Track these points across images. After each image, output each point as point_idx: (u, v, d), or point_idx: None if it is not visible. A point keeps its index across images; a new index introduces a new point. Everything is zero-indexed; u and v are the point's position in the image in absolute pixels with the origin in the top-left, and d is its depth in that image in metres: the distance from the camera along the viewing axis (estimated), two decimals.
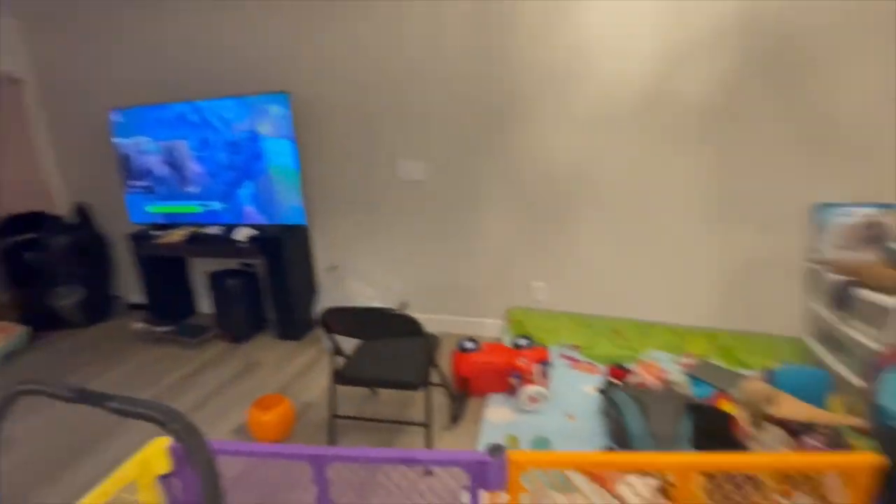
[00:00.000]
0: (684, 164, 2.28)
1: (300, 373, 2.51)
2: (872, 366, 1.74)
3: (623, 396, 1.83)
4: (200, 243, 2.92)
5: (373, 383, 1.75)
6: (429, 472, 1.68)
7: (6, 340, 2.89)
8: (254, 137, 2.80)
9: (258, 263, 3.03)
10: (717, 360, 2.34)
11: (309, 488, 1.06)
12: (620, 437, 1.73)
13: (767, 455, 0.91)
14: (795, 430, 1.62)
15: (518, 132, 2.48)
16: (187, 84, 2.98)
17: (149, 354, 2.84)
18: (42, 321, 3.21)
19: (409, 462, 0.96)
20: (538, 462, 0.93)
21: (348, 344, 1.92)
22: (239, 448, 1.01)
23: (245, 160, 2.86)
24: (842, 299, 1.89)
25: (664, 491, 1.47)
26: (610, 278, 2.56)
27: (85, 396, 0.61)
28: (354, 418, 1.92)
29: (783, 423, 1.63)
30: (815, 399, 1.79)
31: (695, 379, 2.07)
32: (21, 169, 3.42)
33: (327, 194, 2.94)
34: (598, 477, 1.61)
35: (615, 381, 2.12)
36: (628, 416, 1.72)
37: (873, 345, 1.78)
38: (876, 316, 1.81)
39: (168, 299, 3.29)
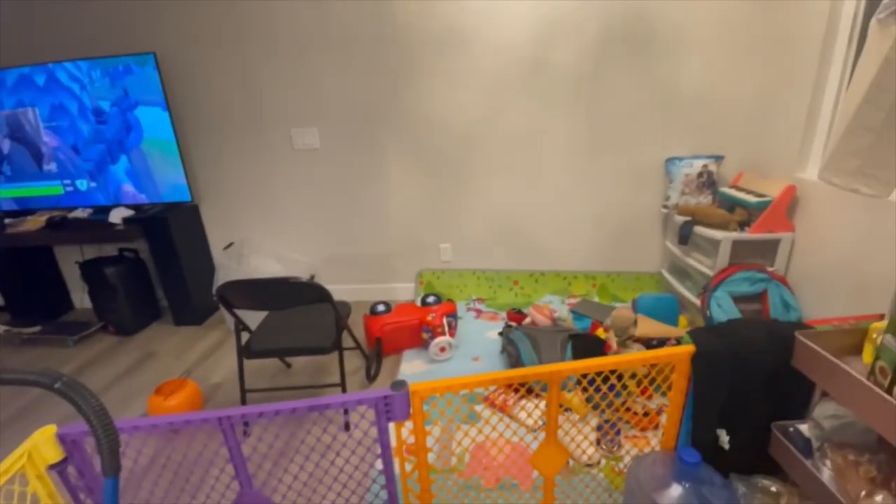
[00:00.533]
0: (562, 124, 2.52)
1: (204, 356, 2.40)
2: (705, 287, 2.17)
3: (518, 334, 2.06)
4: (65, 229, 2.57)
5: (283, 353, 1.76)
6: (346, 428, 1.78)
7: None
8: (121, 105, 2.49)
9: (141, 247, 2.76)
10: (595, 298, 2.71)
11: (225, 467, 1.08)
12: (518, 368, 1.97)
13: (621, 356, 1.13)
14: (653, 345, 1.98)
15: (413, 97, 2.52)
16: (33, 44, 2.52)
17: (14, 360, 2.49)
18: None
19: (318, 409, 1.02)
20: (435, 388, 1.05)
21: (254, 320, 1.89)
22: (138, 424, 0.99)
23: (113, 131, 2.54)
24: (684, 236, 2.30)
25: None
26: (506, 234, 2.78)
27: None
28: (267, 390, 1.91)
29: (643, 341, 1.98)
30: (670, 319, 2.19)
31: (577, 314, 2.39)
32: None
33: (217, 167, 2.74)
34: (500, 406, 1.83)
35: (512, 323, 2.37)
36: (523, 349, 1.96)
37: (708, 271, 2.21)
38: (709, 248, 2.24)
39: (33, 296, 2.87)
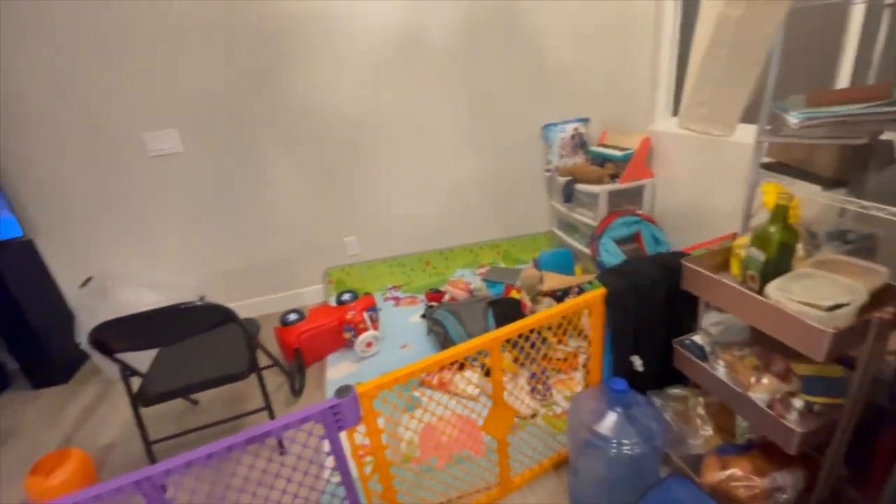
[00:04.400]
0: (442, 103, 2.55)
1: (83, 418, 2.00)
2: (592, 237, 2.43)
3: (442, 312, 2.09)
4: None
5: (190, 390, 1.54)
6: (282, 451, 1.64)
7: None
8: None
9: None
10: (501, 263, 2.87)
11: None
12: (447, 346, 2.00)
13: (542, 313, 1.22)
14: (559, 297, 2.16)
15: (287, 88, 2.32)
16: None
17: None
18: None
19: (258, 439, 0.92)
20: (382, 384, 1.02)
21: (140, 362, 1.62)
22: None
23: None
24: (568, 194, 2.53)
25: (487, 373, 1.81)
26: (409, 217, 2.77)
27: None
28: (177, 436, 1.67)
29: (551, 294, 2.16)
30: (567, 270, 2.40)
31: (489, 282, 2.50)
32: None
33: (51, 192, 2.23)
34: (439, 385, 1.85)
35: (433, 303, 2.39)
36: (448, 326, 2.00)
37: (592, 222, 2.46)
38: (590, 202, 2.50)
39: None
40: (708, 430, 1.27)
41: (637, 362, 1.34)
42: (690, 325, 1.36)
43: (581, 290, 2.20)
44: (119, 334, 1.36)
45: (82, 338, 2.06)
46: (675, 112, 2.46)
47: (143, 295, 2.29)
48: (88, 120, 2.16)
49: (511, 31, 2.45)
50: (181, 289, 2.45)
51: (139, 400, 1.47)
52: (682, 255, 1.34)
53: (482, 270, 2.77)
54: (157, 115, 2.23)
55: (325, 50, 2.30)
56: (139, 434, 1.51)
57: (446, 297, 2.41)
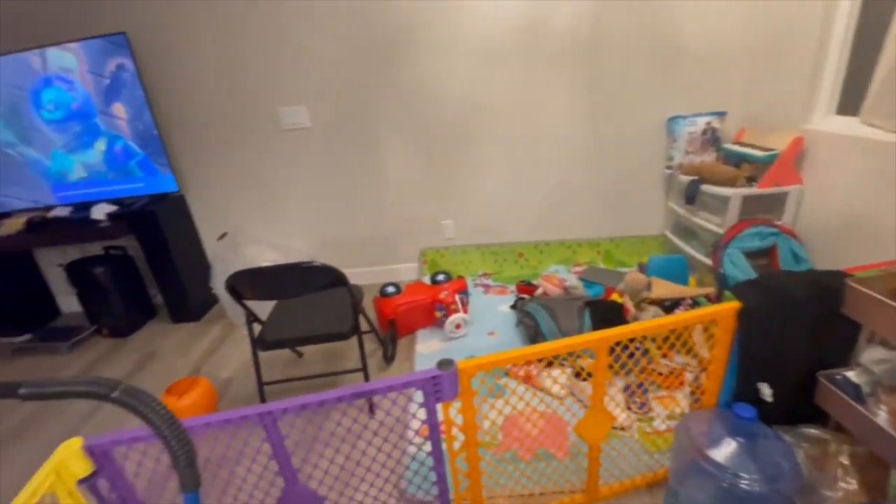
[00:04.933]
0: (559, 89, 2.44)
1: (209, 352, 2.32)
2: (716, 246, 2.17)
3: (534, 306, 2.04)
4: (46, 231, 2.40)
5: (300, 342, 1.69)
6: (371, 413, 1.74)
7: None
8: (89, 91, 2.30)
9: (129, 244, 2.62)
10: (601, 264, 2.71)
11: (250, 459, 1.02)
12: (536, 340, 1.95)
13: (655, 320, 1.11)
14: (668, 306, 1.98)
15: (406, 69, 2.40)
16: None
17: (6, 372, 2.36)
18: None
19: (362, 396, 0.97)
20: (483, 365, 1.01)
21: (260, 311, 1.81)
22: (193, 424, 0.92)
23: (81, 121, 2.36)
24: (691, 195, 2.28)
25: (577, 375, 1.72)
26: (509, 207, 2.73)
27: None
28: (285, 381, 1.85)
29: (658, 303, 1.98)
30: (679, 279, 2.19)
31: (586, 281, 2.37)
32: None
33: (201, 153, 2.59)
34: (526, 377, 1.81)
35: (524, 296, 2.34)
36: (540, 320, 1.94)
37: (717, 229, 2.20)
38: (717, 206, 2.23)
39: (17, 304, 2.70)
40: (851, 484, 1.07)
41: (766, 391, 1.17)
42: (843, 358, 1.15)
43: (695, 304, 1.99)
44: (249, 283, 1.53)
45: (215, 284, 2.38)
46: (841, 110, 2.08)
47: (264, 252, 2.57)
48: (235, 93, 2.45)
49: (642, 12, 2.26)
50: (295, 251, 2.70)
51: (258, 344, 1.65)
52: (841, 274, 1.13)
53: (579, 269, 2.64)
54: (291, 92, 2.45)
55: (441, 33, 2.32)
56: (254, 374, 1.70)
57: (538, 291, 2.34)
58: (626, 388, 1.67)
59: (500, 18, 2.29)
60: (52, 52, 2.24)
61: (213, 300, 2.74)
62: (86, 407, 1.97)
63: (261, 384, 1.70)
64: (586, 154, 2.58)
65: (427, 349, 2.13)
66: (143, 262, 2.58)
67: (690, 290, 2.04)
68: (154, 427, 0.44)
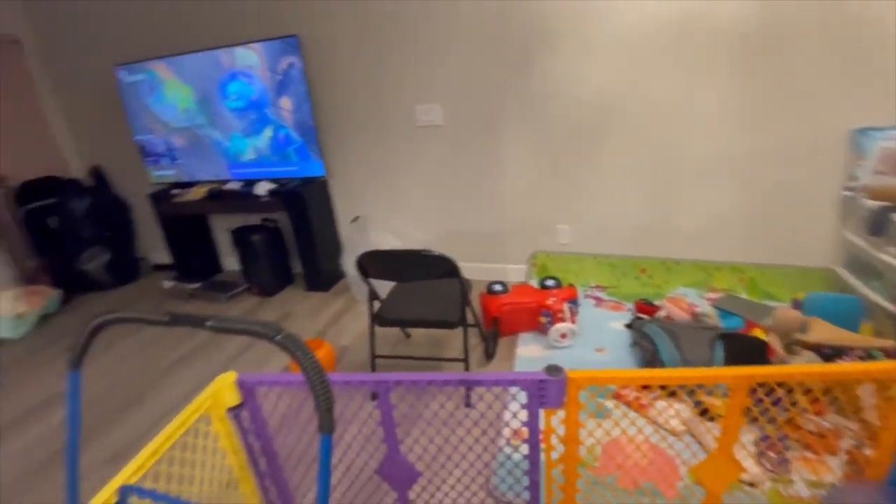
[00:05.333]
0: (712, 93, 2.18)
1: (333, 320, 2.59)
2: None
3: (654, 328, 1.86)
4: (220, 200, 2.92)
5: (412, 324, 1.80)
6: (468, 405, 1.77)
7: (40, 304, 2.98)
8: (265, 85, 2.72)
9: (280, 218, 3.04)
10: (743, 293, 2.36)
11: (357, 421, 1.11)
12: (654, 366, 1.78)
13: (816, 367, 0.93)
14: (828, 355, 1.65)
15: (540, 67, 2.37)
16: (192, 33, 2.86)
17: (182, 310, 2.93)
18: (73, 284, 3.30)
19: (469, 384, 1.00)
20: (596, 379, 0.96)
21: (381, 290, 1.96)
22: (335, 379, 1.05)
23: (257, 111, 2.79)
24: (879, 225, 1.86)
25: (703, 413, 1.53)
26: (635, 217, 2.53)
27: (180, 319, 0.62)
28: (393, 357, 1.99)
29: (816, 348, 1.66)
30: (848, 325, 1.81)
31: (722, 311, 2.09)
32: (30, 133, 3.38)
33: (344, 143, 2.89)
34: (636, 405, 1.67)
35: (643, 316, 2.15)
36: (661, 345, 1.76)
37: None
38: None
39: (193, 258, 3.34)
40: None
41: None
42: None
43: (869, 356, 1.63)
44: (375, 263, 1.67)
45: (343, 261, 2.64)
46: None
47: (387, 238, 2.77)
48: (380, 90, 2.67)
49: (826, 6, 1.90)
50: (413, 240, 2.86)
51: (375, 319, 1.79)
52: None
53: (714, 295, 2.34)
54: (428, 91, 2.59)
55: (588, 31, 2.24)
56: (368, 345, 1.85)
57: (661, 314, 2.13)
58: (764, 438, 1.44)
59: (650, 16, 2.13)
60: (239, 51, 2.68)
61: (340, 275, 3.04)
62: (235, 349, 2.35)
63: (373, 356, 1.85)
64: (737, 166, 2.27)
65: (528, 353, 2.09)
66: (290, 235, 2.98)
67: (863, 338, 1.68)
68: (304, 370, 0.50)
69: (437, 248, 2.86)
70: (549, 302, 2.15)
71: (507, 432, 1.52)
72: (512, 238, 2.81)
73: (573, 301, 2.22)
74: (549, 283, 2.32)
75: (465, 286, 1.73)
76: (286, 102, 2.71)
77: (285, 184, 2.86)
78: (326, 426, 0.50)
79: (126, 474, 0.82)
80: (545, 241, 2.76)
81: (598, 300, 2.50)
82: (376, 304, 1.87)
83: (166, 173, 3.16)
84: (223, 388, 1.05)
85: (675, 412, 1.56)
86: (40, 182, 3.24)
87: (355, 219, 2.83)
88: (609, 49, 2.24)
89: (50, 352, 2.59)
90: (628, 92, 2.29)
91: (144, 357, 2.38)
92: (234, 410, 1.08)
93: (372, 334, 1.81)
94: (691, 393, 1.57)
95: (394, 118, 2.72)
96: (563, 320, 2.10)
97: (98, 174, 3.49)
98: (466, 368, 1.77)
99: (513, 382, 0.98)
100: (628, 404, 1.68)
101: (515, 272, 2.86)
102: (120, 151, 3.42)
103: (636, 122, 2.33)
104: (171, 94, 2.91)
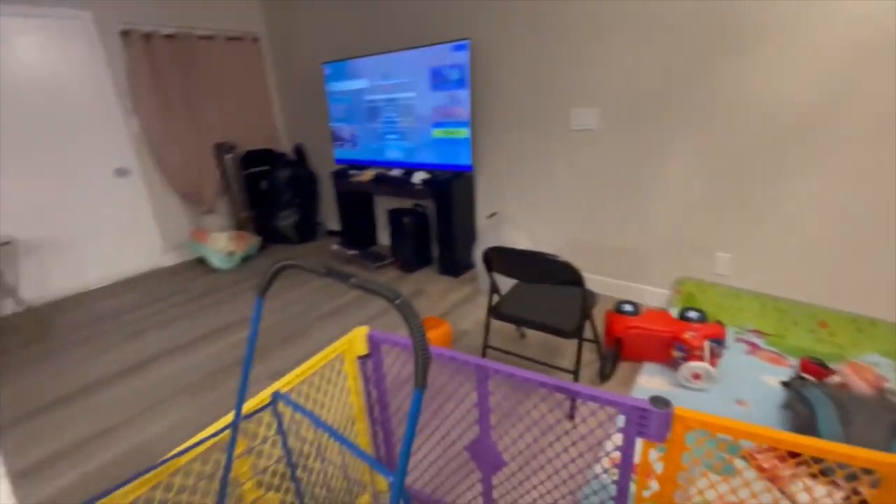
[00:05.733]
0: None
1: (457, 305, 2.77)
2: None
3: (817, 393, 1.55)
4: (384, 183, 3.34)
5: (526, 323, 1.83)
6: (571, 417, 1.73)
7: (245, 246, 3.83)
8: (435, 85, 2.99)
9: (428, 205, 3.34)
10: None
11: (469, 401, 1.20)
12: (806, 433, 1.48)
13: None
14: None
15: (722, 70, 2.10)
16: (386, 36, 3.31)
17: (338, 269, 3.48)
18: (269, 235, 4.16)
19: (567, 392, 1.00)
20: (709, 424, 0.87)
21: (503, 286, 2.03)
22: (442, 353, 1.19)
23: (426, 108, 3.09)
24: None
25: None
26: (821, 257, 2.09)
27: (332, 273, 0.79)
28: (505, 351, 2.05)
29: None
30: None
31: None
32: (258, 113, 4.32)
33: (494, 141, 3.01)
34: (770, 473, 1.43)
35: (808, 376, 1.79)
36: (822, 414, 1.46)
37: None
38: None
39: (357, 229, 3.90)
40: None
41: None
42: None
43: None
44: (501, 259, 1.74)
45: (476, 253, 2.79)
46: None
47: (520, 236, 2.82)
48: (537, 91, 2.70)
49: None
50: (544, 242, 2.86)
51: (493, 312, 1.87)
52: None
53: None
54: (586, 94, 2.52)
55: (786, 35, 1.90)
56: (482, 335, 1.95)
57: (834, 379, 1.74)
58: None
59: (879, 15, 1.71)
60: (420, 53, 2.99)
61: (470, 265, 3.21)
62: (375, 311, 2.70)
63: (486, 345, 1.94)
64: None
65: (650, 384, 1.93)
66: (433, 222, 3.26)
67: None
68: (411, 331, 0.61)
69: (569, 254, 2.85)
70: (687, 336, 1.94)
71: (606, 462, 1.46)
72: (655, 258, 2.59)
73: (718, 341, 1.96)
74: (692, 314, 2.09)
75: (587, 298, 1.69)
76: (451, 101, 2.95)
77: (438, 175, 3.13)
78: (420, 381, 0.60)
79: (279, 384, 1.07)
80: (697, 267, 2.47)
81: (754, 347, 2.15)
82: (496, 298, 1.95)
83: (347, 156, 3.74)
84: (357, 338, 1.26)
85: (819, 495, 1.29)
86: (259, 153, 4.15)
87: (492, 214, 2.94)
88: (812, 56, 1.87)
89: (247, 284, 3.34)
90: (831, 107, 1.89)
91: (308, 304, 2.91)
92: (362, 359, 1.29)
93: (487, 325, 1.90)
94: (852, 478, 1.27)
95: (547, 120, 2.72)
96: (699, 359, 1.88)
97: (299, 151, 4.30)
98: (575, 380, 1.73)
99: (611, 403, 0.95)
100: (762, 470, 1.44)
101: (652, 295, 2.63)
102: (317, 134, 4.16)
103: (838, 142, 1.91)
104: (360, 88, 3.41)
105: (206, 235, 3.72)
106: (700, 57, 2.14)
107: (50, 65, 3.10)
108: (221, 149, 3.88)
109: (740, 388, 1.86)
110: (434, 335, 2.12)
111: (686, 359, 1.90)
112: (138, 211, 3.66)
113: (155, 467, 0.85)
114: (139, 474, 0.83)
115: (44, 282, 3.25)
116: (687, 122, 2.27)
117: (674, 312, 2.20)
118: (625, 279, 2.73)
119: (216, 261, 3.67)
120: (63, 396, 2.12)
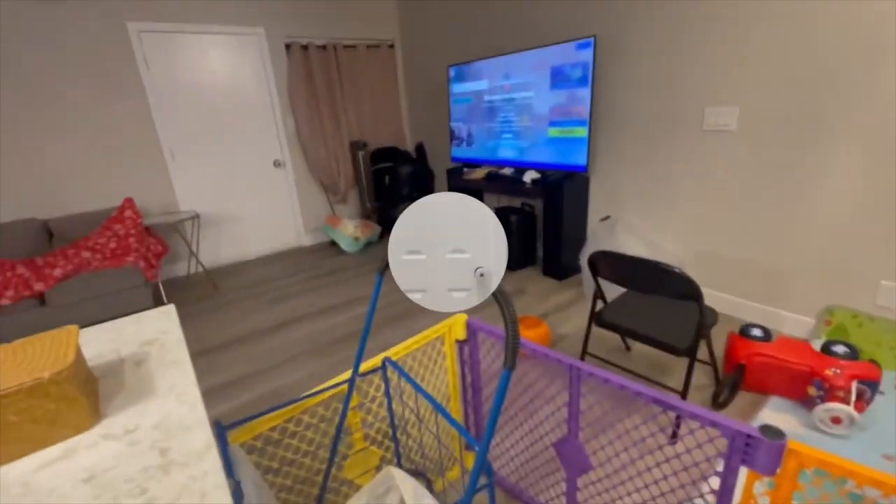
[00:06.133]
0: None
1: (558, 308, 2.74)
2: None
3: None
4: (495, 181, 3.42)
5: (632, 334, 1.75)
6: (673, 439, 1.63)
7: (368, 234, 4.25)
8: (556, 84, 2.97)
9: (537, 204, 3.33)
10: None
11: (543, 399, 1.22)
12: None
13: None
14: None
15: None
16: (510, 37, 3.38)
17: None
18: (389, 225, 4.55)
19: (661, 405, 0.98)
20: (827, 465, 0.78)
21: (610, 292, 1.97)
22: (535, 348, 1.24)
23: (544, 107, 3.09)
24: None
25: None
26: None
27: None
28: (606, 361, 1.99)
29: None
30: None
31: None
32: (388, 114, 4.72)
33: (612, 142, 2.88)
34: None
35: None
36: None
37: None
38: None
39: None
40: None
41: None
42: None
43: None
44: (608, 264, 1.70)
45: (582, 256, 2.72)
46: None
47: (635, 243, 2.68)
48: (664, 89, 2.52)
49: None
50: (664, 252, 2.66)
51: (595, 318, 1.84)
52: None
53: None
54: (724, 92, 2.28)
55: None
56: (582, 340, 1.92)
57: None
58: None
59: None
60: (541, 52, 2.99)
61: (576, 269, 3.14)
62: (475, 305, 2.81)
63: (584, 351, 1.91)
64: None
65: (776, 420, 1.71)
66: (540, 221, 3.24)
67: None
68: (504, 316, 0.68)
69: (690, 267, 2.62)
70: (829, 373, 1.68)
71: (704, 487, 1.36)
72: (798, 280, 2.25)
73: (869, 383, 1.66)
74: (839, 349, 1.79)
75: (705, 315, 1.56)
76: (570, 100, 2.90)
77: (549, 175, 3.11)
78: (509, 363, 0.66)
79: (389, 352, 1.22)
80: (853, 296, 2.09)
81: None
82: (600, 305, 1.90)
83: (462, 155, 3.91)
84: (456, 324, 1.37)
85: None
86: (386, 150, 4.55)
87: (605, 218, 2.83)
88: None
89: (367, 267, 3.72)
90: None
91: None
92: (460, 343, 1.39)
93: (588, 331, 1.87)
94: None
95: (676, 119, 2.53)
96: (841, 401, 1.61)
97: (420, 149, 4.61)
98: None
99: (714, 424, 0.91)
100: None
101: (790, 322, 2.30)
102: (437, 133, 4.42)
103: None
104: (481, 89, 3.53)
105: (338, 221, 4.23)
106: (875, 55, 1.80)
107: (231, 73, 3.81)
108: (355, 146, 4.36)
109: (892, 441, 1.55)
110: (531, 335, 2.14)
111: (823, 399, 1.64)
112: (288, 197, 4.32)
113: (289, 403, 1.06)
114: (276, 406, 1.04)
115: (216, 249, 4.04)
116: (852, 120, 1.92)
117: (816, 344, 1.90)
118: (757, 300, 2.42)
119: (344, 244, 4.16)
120: (227, 342, 2.64)
